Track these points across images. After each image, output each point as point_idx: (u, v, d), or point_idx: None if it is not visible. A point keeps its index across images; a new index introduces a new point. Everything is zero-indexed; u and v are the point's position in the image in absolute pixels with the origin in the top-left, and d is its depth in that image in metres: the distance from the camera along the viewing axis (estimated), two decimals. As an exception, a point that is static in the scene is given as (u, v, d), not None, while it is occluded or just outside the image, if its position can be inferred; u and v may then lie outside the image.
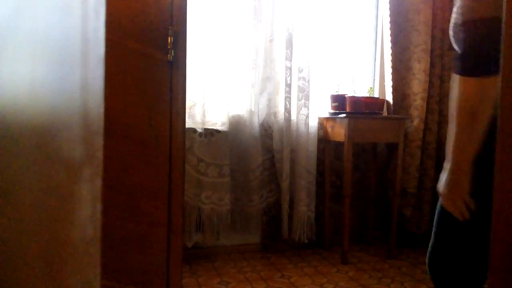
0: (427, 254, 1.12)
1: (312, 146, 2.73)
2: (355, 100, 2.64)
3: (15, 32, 0.32)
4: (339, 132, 2.63)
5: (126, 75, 1.43)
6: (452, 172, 0.99)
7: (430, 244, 1.12)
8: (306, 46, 2.68)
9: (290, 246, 2.80)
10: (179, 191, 1.52)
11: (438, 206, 1.09)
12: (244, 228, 2.68)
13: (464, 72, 0.91)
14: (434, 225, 1.11)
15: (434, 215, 1.13)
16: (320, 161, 2.82)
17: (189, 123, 2.44)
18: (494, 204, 0.53)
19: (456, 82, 0.94)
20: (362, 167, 3.02)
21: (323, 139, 2.84)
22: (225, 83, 2.55)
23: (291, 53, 2.63)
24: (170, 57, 1.47)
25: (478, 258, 1.04)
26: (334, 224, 2.92)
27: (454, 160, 0.98)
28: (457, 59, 0.93)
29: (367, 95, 2.93)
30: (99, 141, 0.38)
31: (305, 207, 2.70)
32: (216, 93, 2.55)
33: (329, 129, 2.77)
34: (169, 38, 1.46)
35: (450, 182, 0.99)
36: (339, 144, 2.85)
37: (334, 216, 2.92)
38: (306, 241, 2.71)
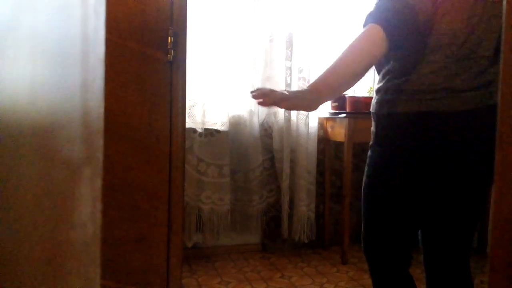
0: (361, 239, 1.28)
1: (312, 146, 2.73)
2: (355, 100, 2.63)
3: (15, 32, 0.32)
4: (339, 132, 2.63)
5: (126, 75, 1.44)
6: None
7: (362, 230, 1.27)
8: (306, 46, 2.68)
9: (290, 246, 2.80)
10: (179, 191, 1.52)
11: (362, 196, 1.28)
12: (244, 228, 2.68)
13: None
14: (362, 213, 1.28)
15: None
16: (320, 161, 2.82)
17: (189, 123, 2.44)
18: (494, 203, 0.53)
19: None
20: (362, 167, 3.01)
21: (323, 139, 2.84)
22: (225, 83, 2.55)
23: (291, 53, 2.63)
24: (170, 57, 1.47)
25: (403, 240, 1.22)
26: (334, 224, 2.92)
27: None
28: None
29: (367, 95, 2.92)
30: (99, 141, 0.38)
31: (305, 207, 2.70)
32: (216, 93, 2.55)
33: (329, 129, 2.77)
34: (169, 38, 1.46)
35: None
36: (339, 144, 2.85)
37: (334, 216, 2.92)
38: (306, 241, 2.71)
